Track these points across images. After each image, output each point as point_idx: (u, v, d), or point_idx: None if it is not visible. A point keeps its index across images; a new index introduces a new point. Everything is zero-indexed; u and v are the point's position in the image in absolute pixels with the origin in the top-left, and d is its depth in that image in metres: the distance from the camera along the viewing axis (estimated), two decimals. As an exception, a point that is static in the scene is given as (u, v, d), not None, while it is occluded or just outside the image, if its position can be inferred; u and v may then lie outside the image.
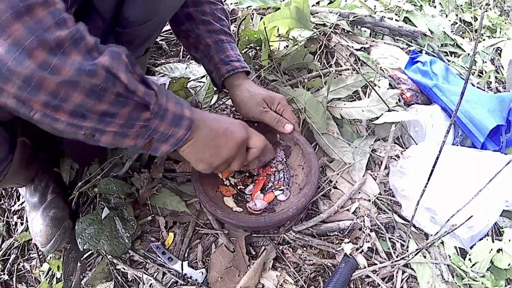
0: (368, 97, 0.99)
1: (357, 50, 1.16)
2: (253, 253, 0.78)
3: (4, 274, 0.90)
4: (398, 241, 0.78)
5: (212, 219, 0.82)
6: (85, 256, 0.83)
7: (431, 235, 0.75)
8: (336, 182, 0.86)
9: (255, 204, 0.77)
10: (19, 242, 0.93)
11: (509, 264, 0.72)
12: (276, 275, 0.73)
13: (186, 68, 1.16)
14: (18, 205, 1.00)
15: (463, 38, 1.49)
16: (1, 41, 0.38)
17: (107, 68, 0.44)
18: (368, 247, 0.75)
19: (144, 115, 0.50)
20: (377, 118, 0.89)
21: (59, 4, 0.42)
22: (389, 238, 0.78)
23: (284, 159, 0.85)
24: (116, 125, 0.48)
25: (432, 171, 0.61)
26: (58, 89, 0.41)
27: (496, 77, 1.31)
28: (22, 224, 0.96)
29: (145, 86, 0.49)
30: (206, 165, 0.63)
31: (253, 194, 0.80)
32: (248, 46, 1.16)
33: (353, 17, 1.26)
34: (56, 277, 0.83)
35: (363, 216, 0.79)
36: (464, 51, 1.40)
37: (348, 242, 0.76)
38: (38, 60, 0.39)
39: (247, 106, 0.82)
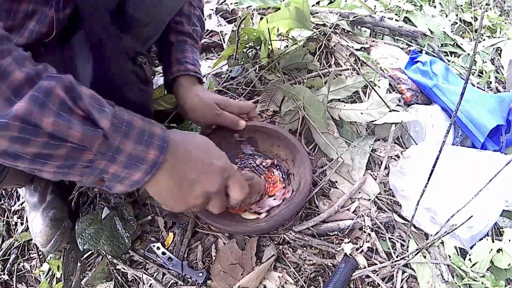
0: (368, 98, 0.99)
1: (357, 50, 1.16)
2: (260, 255, 0.77)
3: (4, 274, 0.90)
4: (398, 241, 0.78)
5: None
6: (85, 256, 0.83)
7: (431, 235, 0.75)
8: (336, 182, 0.86)
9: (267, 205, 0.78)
10: (19, 242, 0.93)
11: (509, 264, 0.72)
12: (278, 276, 0.73)
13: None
14: (18, 205, 1.00)
15: (463, 38, 1.49)
16: None
17: (22, 119, 0.38)
18: (368, 247, 0.75)
19: (85, 155, 0.43)
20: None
21: None
22: (389, 238, 0.78)
23: (253, 150, 0.87)
24: (52, 166, 0.43)
25: (432, 171, 0.61)
26: None
27: (496, 77, 1.31)
28: (22, 224, 0.97)
29: (90, 125, 0.43)
30: (166, 206, 0.57)
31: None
32: (247, 46, 1.16)
33: (353, 17, 1.26)
34: (56, 277, 0.83)
35: (363, 216, 0.79)
36: (464, 51, 1.40)
37: (348, 242, 0.76)
38: None
39: (199, 110, 0.79)
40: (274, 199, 0.80)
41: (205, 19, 1.05)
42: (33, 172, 0.44)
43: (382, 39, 1.32)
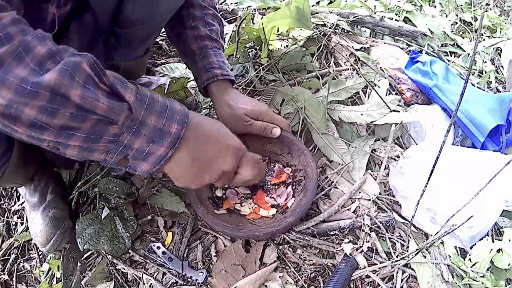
0: (368, 98, 0.99)
1: (357, 50, 1.16)
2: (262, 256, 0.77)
3: (4, 274, 0.90)
4: (398, 241, 0.78)
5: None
6: (85, 256, 0.83)
7: (431, 235, 0.75)
8: (336, 182, 0.86)
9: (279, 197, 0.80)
10: (19, 242, 0.93)
11: (509, 264, 0.72)
12: (279, 276, 0.73)
13: (186, 68, 1.16)
14: (18, 205, 1.00)
15: (463, 38, 1.49)
16: None
17: (51, 88, 0.39)
18: (368, 247, 0.75)
19: (110, 129, 0.44)
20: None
21: (4, 19, 0.39)
22: (389, 238, 0.78)
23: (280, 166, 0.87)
24: (78, 138, 0.44)
25: (432, 171, 0.61)
26: (11, 103, 0.39)
27: (496, 77, 1.31)
28: (22, 224, 0.96)
29: (115, 99, 0.44)
30: (184, 184, 0.58)
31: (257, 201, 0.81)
32: (248, 45, 1.16)
33: (353, 17, 1.26)
34: (56, 277, 0.83)
35: (363, 215, 0.79)
36: (464, 51, 1.40)
37: (348, 242, 0.76)
38: None
39: (229, 122, 0.79)
40: (290, 188, 0.82)
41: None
42: (57, 148, 0.45)
43: (382, 39, 1.32)
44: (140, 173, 0.51)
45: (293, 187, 0.83)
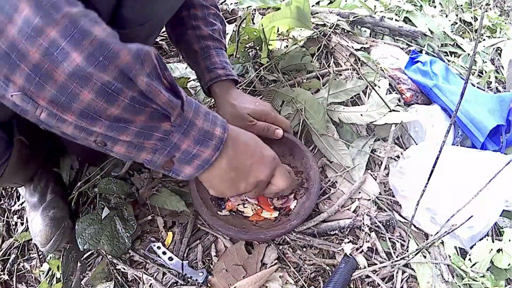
0: (368, 98, 0.99)
1: (357, 50, 1.16)
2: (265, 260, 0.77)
3: (4, 274, 0.90)
4: (398, 241, 0.78)
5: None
6: (85, 256, 0.83)
7: (431, 235, 0.75)
8: (336, 182, 0.86)
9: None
10: (19, 242, 0.93)
11: (509, 264, 0.72)
12: (279, 276, 0.73)
13: (186, 68, 1.16)
14: (18, 205, 1.00)
15: (463, 38, 1.49)
16: (14, 20, 0.34)
17: (122, 68, 0.38)
18: (368, 247, 0.75)
19: (163, 125, 0.44)
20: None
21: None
22: (389, 238, 0.78)
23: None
24: (130, 132, 0.43)
25: (432, 171, 0.61)
26: (67, 83, 0.36)
27: (496, 77, 1.31)
28: (22, 224, 0.96)
29: (172, 94, 0.44)
30: (218, 192, 0.58)
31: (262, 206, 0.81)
32: (248, 45, 1.16)
33: (353, 17, 1.26)
34: (56, 277, 0.83)
35: (363, 215, 0.79)
36: (464, 51, 1.40)
37: (348, 242, 0.76)
38: (48, 40, 0.35)
39: (232, 122, 0.77)
40: (294, 199, 0.81)
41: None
42: (105, 143, 0.43)
43: (382, 39, 1.32)
44: (184, 177, 0.51)
45: (295, 189, 0.83)
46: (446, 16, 1.59)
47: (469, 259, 0.72)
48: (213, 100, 0.88)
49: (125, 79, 0.39)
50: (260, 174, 0.58)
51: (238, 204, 0.81)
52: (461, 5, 1.67)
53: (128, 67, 0.38)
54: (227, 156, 0.53)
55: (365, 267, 0.73)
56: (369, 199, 0.82)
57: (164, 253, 0.78)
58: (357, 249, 0.75)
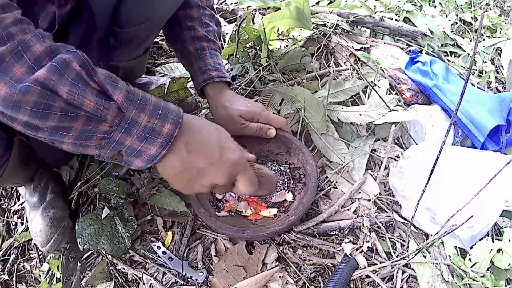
0: (368, 98, 0.99)
1: (357, 50, 1.16)
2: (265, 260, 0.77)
3: (4, 274, 0.90)
4: (398, 241, 0.78)
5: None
6: (85, 256, 0.83)
7: (431, 235, 0.75)
8: (336, 182, 0.86)
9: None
10: (19, 242, 0.93)
11: (509, 264, 0.72)
12: (280, 276, 0.73)
13: (186, 68, 1.16)
14: (18, 205, 1.00)
15: (463, 38, 1.49)
16: None
17: (41, 84, 0.41)
18: (368, 247, 0.75)
19: (101, 127, 0.45)
20: (376, 119, 0.90)
21: (7, 19, 0.41)
22: (389, 238, 0.78)
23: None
24: (71, 136, 0.45)
25: (432, 171, 0.61)
26: (6, 106, 0.41)
27: (496, 77, 1.31)
28: (22, 224, 0.96)
29: (104, 97, 0.45)
30: (175, 187, 0.57)
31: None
32: (248, 45, 1.16)
33: (353, 17, 1.26)
34: (56, 277, 0.83)
35: (363, 215, 0.79)
36: (464, 51, 1.40)
37: (348, 242, 0.76)
38: None
39: (224, 124, 0.75)
40: (288, 191, 0.82)
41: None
42: (53, 143, 0.47)
43: (382, 39, 1.32)
44: (136, 168, 0.52)
45: (293, 185, 0.83)
46: (446, 16, 1.59)
47: (469, 259, 0.72)
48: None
49: (48, 93, 0.41)
50: (214, 179, 0.54)
51: (237, 205, 0.81)
52: (461, 5, 1.67)
53: (47, 81, 0.41)
54: (179, 154, 0.51)
55: (365, 267, 0.73)
56: (369, 199, 0.82)
57: (164, 253, 0.78)
58: (357, 249, 0.75)
